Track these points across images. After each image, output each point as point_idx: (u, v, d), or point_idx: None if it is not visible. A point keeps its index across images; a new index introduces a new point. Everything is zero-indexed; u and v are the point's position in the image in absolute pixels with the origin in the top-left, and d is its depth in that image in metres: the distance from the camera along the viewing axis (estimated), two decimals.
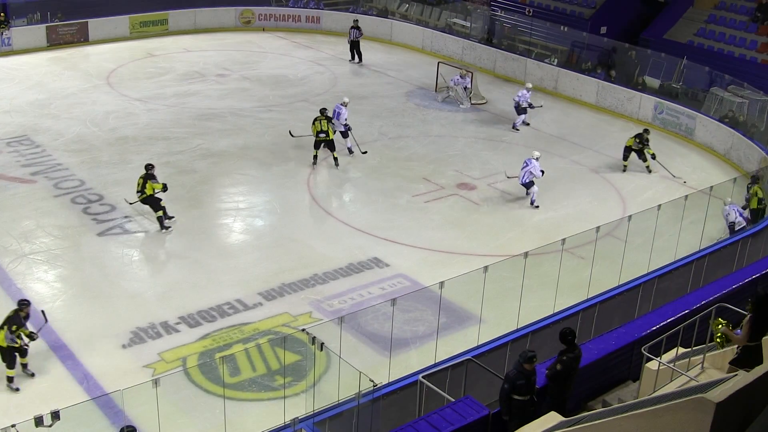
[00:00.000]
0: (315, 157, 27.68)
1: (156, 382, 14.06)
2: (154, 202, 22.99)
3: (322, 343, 14.67)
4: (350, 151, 28.60)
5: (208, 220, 24.11)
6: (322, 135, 27.22)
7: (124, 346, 17.94)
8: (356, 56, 41.15)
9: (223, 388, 16.25)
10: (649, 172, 28.42)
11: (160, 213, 22.92)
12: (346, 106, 28.64)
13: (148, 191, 22.81)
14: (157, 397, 13.84)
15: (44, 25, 41.48)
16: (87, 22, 42.43)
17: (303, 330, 17.58)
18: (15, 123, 30.83)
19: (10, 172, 26.43)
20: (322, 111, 27.51)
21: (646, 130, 28.82)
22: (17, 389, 16.37)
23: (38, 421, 12.14)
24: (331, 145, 27.39)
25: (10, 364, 16.43)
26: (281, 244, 22.72)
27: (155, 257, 21.94)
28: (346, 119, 28.53)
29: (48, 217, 23.67)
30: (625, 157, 28.65)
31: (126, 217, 23.63)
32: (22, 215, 23.65)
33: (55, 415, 12.21)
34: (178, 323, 18.73)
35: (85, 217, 23.69)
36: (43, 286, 20.37)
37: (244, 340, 18.26)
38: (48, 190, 25.25)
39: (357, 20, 41.64)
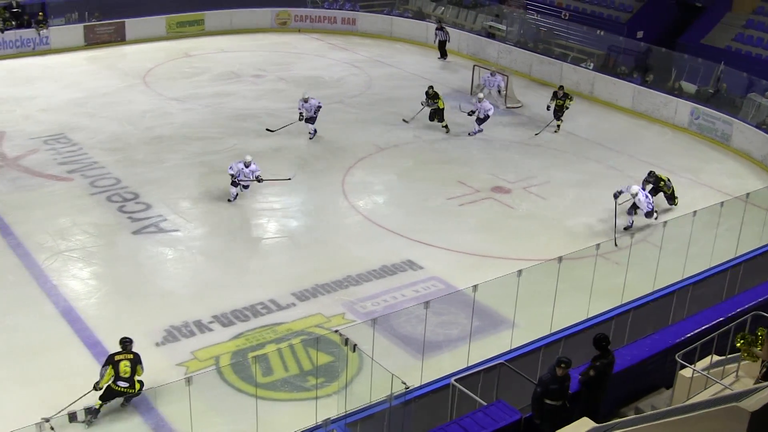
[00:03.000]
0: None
1: (189, 381, 14.15)
2: None
3: (355, 345, 14.71)
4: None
5: (243, 220, 24.20)
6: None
7: (157, 344, 18.05)
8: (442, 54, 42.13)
9: (255, 388, 16.31)
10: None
11: None
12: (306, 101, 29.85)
13: None
14: (189, 395, 13.91)
15: (82, 24, 41.87)
16: (124, 21, 42.77)
17: (336, 331, 17.59)
18: (52, 121, 31.11)
19: (47, 169, 26.68)
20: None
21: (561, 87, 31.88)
22: None
23: (72, 417, 12.27)
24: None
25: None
26: (315, 245, 22.78)
27: (189, 256, 22.03)
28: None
29: (84, 214, 23.87)
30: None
31: (161, 215, 23.79)
32: (59, 213, 23.86)
33: (89, 412, 12.34)
34: (211, 322, 18.81)
35: (121, 215, 23.86)
36: (78, 284, 20.54)
37: (277, 340, 18.32)
38: (84, 188, 25.46)
39: (440, 20, 42.06)
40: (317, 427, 13.30)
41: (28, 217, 23.52)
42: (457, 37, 43.73)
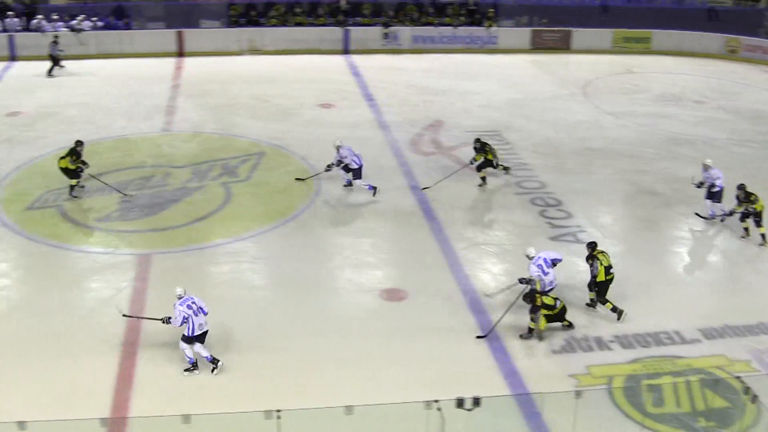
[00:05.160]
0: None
1: (578, 394, 14.22)
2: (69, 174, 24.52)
3: (756, 396, 14.10)
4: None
5: (660, 245, 23.75)
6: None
7: (554, 351, 18.22)
8: None
9: (642, 416, 16.07)
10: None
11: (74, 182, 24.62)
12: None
13: (62, 164, 24.40)
14: (575, 408, 13.97)
15: (530, 28, 43.52)
16: (570, 30, 43.79)
17: (738, 377, 16.94)
18: (490, 118, 32.34)
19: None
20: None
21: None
22: None
23: (459, 402, 12.74)
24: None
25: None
26: (728, 283, 21.94)
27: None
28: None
29: (505, 212, 24.64)
30: None
31: (579, 226, 23.92)
32: (482, 207, 25.02)
33: (476, 402, 12.74)
34: (611, 341, 18.64)
35: (541, 219, 24.29)
36: (489, 277, 21.17)
37: (674, 373, 17.83)
38: (510, 187, 26.23)
39: None
40: None
41: (451, 206, 24.72)
42: None
